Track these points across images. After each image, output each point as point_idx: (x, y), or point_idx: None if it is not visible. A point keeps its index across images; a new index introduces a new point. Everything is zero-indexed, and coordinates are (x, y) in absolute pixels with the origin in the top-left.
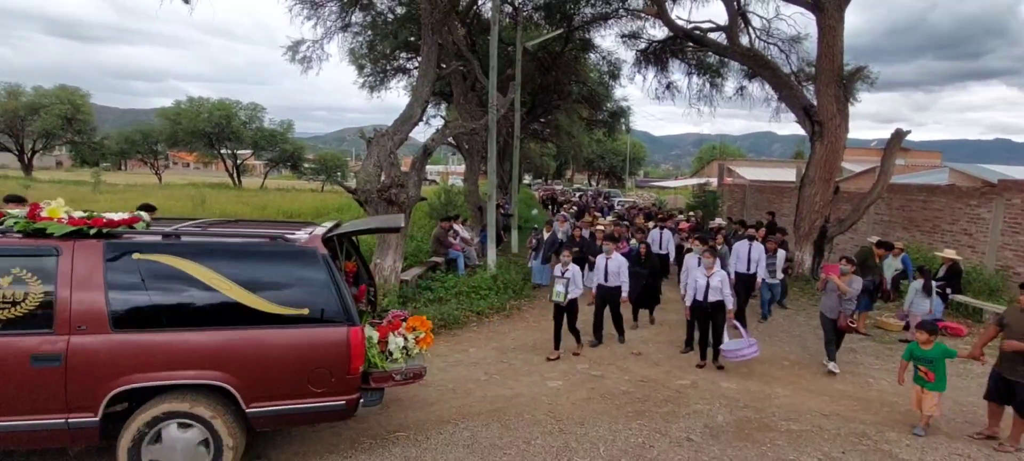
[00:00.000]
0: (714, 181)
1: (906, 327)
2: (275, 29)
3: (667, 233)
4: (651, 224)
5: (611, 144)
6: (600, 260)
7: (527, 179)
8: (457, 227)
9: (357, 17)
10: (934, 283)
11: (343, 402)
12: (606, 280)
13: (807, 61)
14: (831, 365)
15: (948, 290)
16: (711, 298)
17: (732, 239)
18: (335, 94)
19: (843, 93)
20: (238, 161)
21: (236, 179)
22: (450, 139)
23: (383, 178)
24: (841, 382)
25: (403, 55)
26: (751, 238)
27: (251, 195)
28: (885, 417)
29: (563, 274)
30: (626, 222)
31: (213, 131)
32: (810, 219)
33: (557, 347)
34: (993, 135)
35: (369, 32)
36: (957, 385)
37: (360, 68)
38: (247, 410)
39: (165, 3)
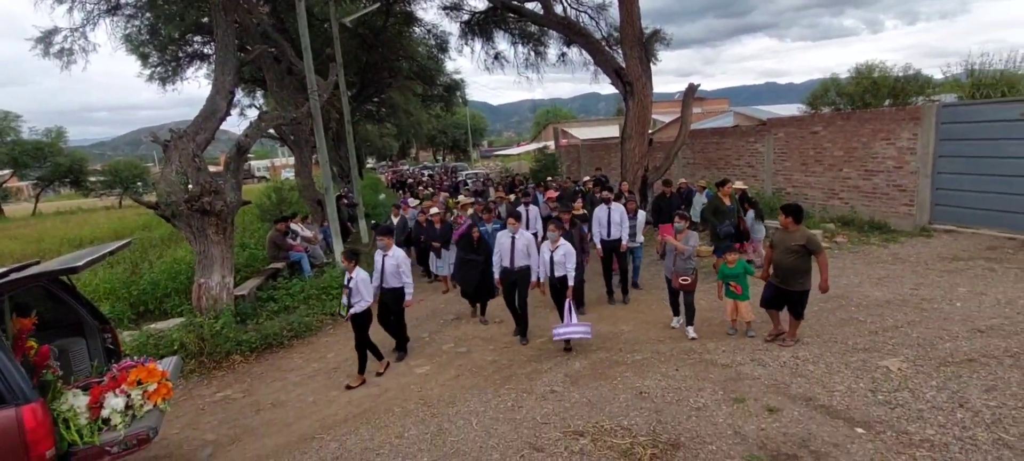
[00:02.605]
0: (552, 144)
1: (715, 252)
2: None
3: (533, 209)
4: (512, 197)
5: (451, 118)
6: (377, 257)
7: (371, 163)
8: (295, 226)
9: None
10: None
11: None
12: (382, 282)
13: (614, 27)
14: (675, 321)
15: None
16: (557, 273)
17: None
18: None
19: (645, 54)
20: None
21: None
22: (271, 131)
23: (191, 186)
24: (668, 310)
25: (197, 39)
26: (606, 200)
27: (19, 226)
28: (705, 332)
29: (348, 282)
30: (483, 200)
31: None
32: (633, 171)
33: (362, 370)
34: (764, 80)
35: (147, 14)
36: (753, 293)
37: (144, 57)
38: None
39: None
